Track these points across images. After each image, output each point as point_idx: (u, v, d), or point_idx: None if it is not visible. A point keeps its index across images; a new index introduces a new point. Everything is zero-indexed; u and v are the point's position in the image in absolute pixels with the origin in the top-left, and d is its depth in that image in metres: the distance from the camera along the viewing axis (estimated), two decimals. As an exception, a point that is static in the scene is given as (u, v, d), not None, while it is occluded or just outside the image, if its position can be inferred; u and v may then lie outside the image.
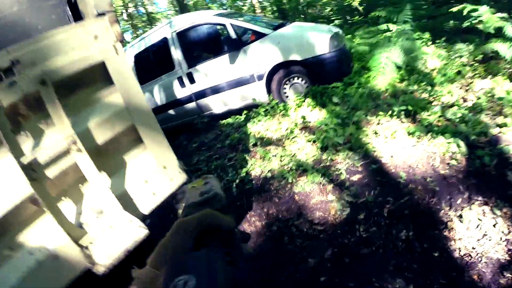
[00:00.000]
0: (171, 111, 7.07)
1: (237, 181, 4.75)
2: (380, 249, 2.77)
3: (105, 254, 2.02)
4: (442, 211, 2.99)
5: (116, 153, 2.40)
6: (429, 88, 5.10)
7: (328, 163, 4.21)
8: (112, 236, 2.11)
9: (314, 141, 4.85)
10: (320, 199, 3.72)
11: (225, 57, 6.33)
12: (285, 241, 3.30)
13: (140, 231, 2.06)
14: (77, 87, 2.22)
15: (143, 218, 2.29)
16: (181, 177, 2.53)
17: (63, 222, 2.07)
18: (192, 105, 6.84)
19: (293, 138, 5.12)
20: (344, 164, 4.04)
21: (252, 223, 3.85)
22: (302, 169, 4.29)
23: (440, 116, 4.26)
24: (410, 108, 4.55)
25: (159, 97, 7.05)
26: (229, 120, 6.86)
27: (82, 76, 2.19)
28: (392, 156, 3.82)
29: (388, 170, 3.65)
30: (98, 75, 2.25)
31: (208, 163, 5.70)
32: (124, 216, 2.14)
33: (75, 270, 2.05)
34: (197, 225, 0.66)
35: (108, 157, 2.34)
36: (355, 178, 3.76)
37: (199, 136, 6.89)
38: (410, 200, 3.17)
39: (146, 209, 2.38)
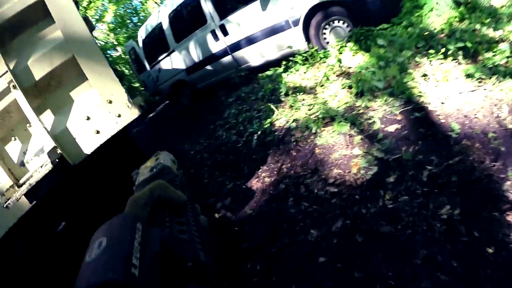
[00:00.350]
0: (209, 67, 6.22)
1: (259, 132, 3.82)
2: (408, 229, 1.69)
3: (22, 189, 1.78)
4: (509, 182, 1.74)
5: (59, 90, 1.95)
6: (494, 25, 3.45)
7: (361, 111, 3.07)
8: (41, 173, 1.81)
9: (349, 87, 3.68)
10: (343, 154, 2.66)
11: (256, 4, 5.18)
12: (289, 203, 2.34)
13: (46, 168, 1.73)
14: (18, 28, 1.96)
15: None
16: (132, 112, 1.82)
17: (5, 162, 1.88)
18: (228, 58, 5.90)
19: (327, 84, 3.98)
20: (380, 111, 2.86)
21: (261, 179, 2.96)
22: (329, 117, 3.20)
23: (509, 57, 2.76)
24: (469, 45, 3.06)
25: (195, 54, 6.21)
26: (268, 72, 5.82)
27: (22, 17, 1.91)
28: (442, 103, 2.54)
29: (435, 120, 2.41)
30: (39, 13, 1.92)
31: (238, 116, 4.85)
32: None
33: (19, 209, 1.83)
34: (148, 199, 0.54)
35: (51, 94, 1.95)
36: (391, 128, 2.59)
37: (237, 91, 6.01)
38: (462, 162, 1.97)
39: (88, 148, 1.85)
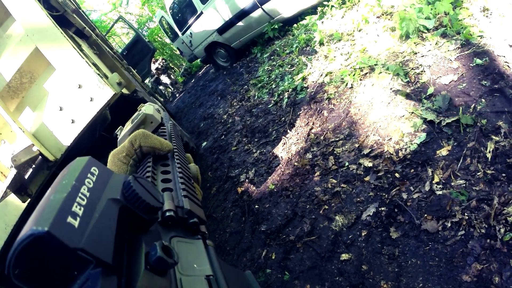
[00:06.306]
0: (240, 24, 5.53)
1: (290, 90, 3.31)
2: (460, 230, 1.14)
3: None
4: None
5: (33, 85, 1.73)
6: None
7: (406, 57, 2.38)
8: None
9: (392, 29, 2.93)
10: (383, 114, 2.08)
11: None
12: (315, 179, 1.90)
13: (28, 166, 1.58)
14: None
15: None
16: (104, 93, 1.48)
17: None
18: (258, 12, 5.17)
19: (366, 28, 3.25)
20: (430, 58, 2.15)
21: (287, 147, 2.52)
22: (368, 67, 2.58)
23: None
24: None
25: (224, 13, 5.53)
26: (303, 21, 5.03)
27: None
28: None
29: (503, 69, 1.67)
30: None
31: (270, 73, 4.32)
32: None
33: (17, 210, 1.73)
34: (129, 150, 0.48)
35: (27, 92, 1.74)
36: (444, 80, 1.91)
37: (271, 45, 5.37)
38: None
39: (67, 140, 1.61)
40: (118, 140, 0.63)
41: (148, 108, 0.66)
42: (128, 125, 0.65)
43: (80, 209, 0.23)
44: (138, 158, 0.48)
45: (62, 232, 0.21)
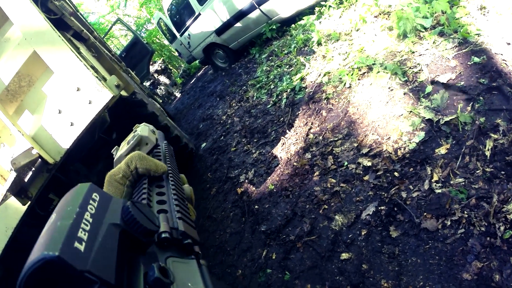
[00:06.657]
0: (238, 25, 5.53)
1: (288, 90, 3.31)
2: (460, 228, 1.14)
3: None
4: None
5: (32, 88, 1.74)
6: None
7: (404, 56, 2.38)
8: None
9: (390, 28, 2.94)
10: (382, 113, 2.08)
11: None
12: (314, 179, 1.89)
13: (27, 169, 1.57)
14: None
15: None
16: (104, 95, 1.52)
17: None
18: (256, 13, 5.17)
19: (363, 28, 3.26)
20: (428, 57, 2.15)
21: (286, 147, 2.52)
22: (366, 66, 2.58)
23: None
24: None
25: (222, 14, 5.53)
26: (301, 22, 5.03)
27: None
28: (509, 44, 1.75)
29: (501, 67, 1.68)
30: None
31: (269, 73, 4.32)
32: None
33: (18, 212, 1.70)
34: (125, 172, 0.50)
35: (25, 95, 1.75)
36: (442, 79, 1.91)
37: (270, 46, 5.37)
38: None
39: (66, 143, 1.61)
40: (114, 160, 0.66)
41: (143, 130, 0.69)
42: (124, 146, 0.67)
43: (85, 234, 0.26)
44: (134, 179, 0.50)
45: (70, 256, 0.23)
